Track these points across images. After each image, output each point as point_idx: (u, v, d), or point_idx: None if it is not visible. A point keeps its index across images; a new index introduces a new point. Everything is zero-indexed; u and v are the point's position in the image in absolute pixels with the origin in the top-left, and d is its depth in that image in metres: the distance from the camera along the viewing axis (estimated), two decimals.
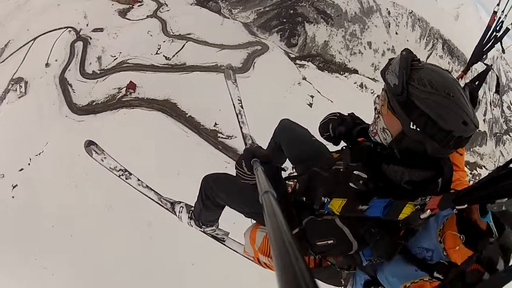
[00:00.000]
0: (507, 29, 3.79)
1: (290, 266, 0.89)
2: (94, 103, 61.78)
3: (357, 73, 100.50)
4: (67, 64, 70.60)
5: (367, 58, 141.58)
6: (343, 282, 3.04)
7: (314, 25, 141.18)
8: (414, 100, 2.16)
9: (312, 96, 69.12)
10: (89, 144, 4.95)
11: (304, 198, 3.01)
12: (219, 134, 55.35)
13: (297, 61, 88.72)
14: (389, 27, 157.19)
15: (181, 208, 4.64)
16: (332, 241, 2.54)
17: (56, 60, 70.66)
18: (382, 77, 2.35)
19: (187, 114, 57.99)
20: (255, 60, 73.95)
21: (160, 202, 4.88)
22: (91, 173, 43.68)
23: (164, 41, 76.00)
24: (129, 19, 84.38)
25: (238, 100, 6.00)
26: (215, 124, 56.11)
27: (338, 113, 3.27)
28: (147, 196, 4.93)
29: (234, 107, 5.90)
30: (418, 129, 2.19)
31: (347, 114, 3.23)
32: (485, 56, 3.86)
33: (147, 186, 4.99)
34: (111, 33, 77.50)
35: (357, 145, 2.92)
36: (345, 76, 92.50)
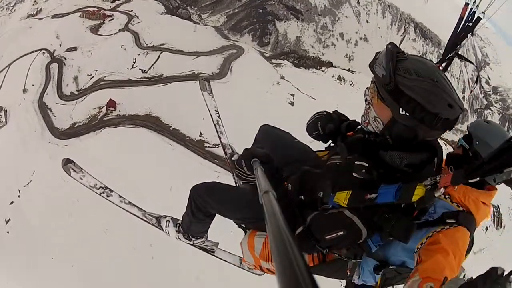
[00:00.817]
0: (479, 18, 3.98)
1: (290, 266, 0.88)
2: (76, 125, 60.69)
3: (332, 66, 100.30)
4: (45, 88, 69.29)
5: (340, 49, 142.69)
6: (348, 273, 3.06)
7: (284, 22, 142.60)
8: (401, 88, 2.36)
9: (292, 95, 69.14)
10: (67, 162, 4.82)
11: (302, 197, 3.06)
12: (205, 144, 54.80)
13: (273, 60, 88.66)
14: (360, 16, 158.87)
15: (168, 222, 4.52)
16: (342, 232, 2.63)
17: (33, 85, 69.19)
18: (370, 69, 2.55)
19: (171, 127, 57.33)
20: (231, 64, 73.71)
21: (144, 218, 4.77)
22: (82, 198, 42.40)
23: (138, 54, 75.03)
24: (101, 35, 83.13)
25: (215, 110, 5.98)
26: (200, 134, 55.44)
27: (325, 111, 3.38)
28: (130, 212, 4.84)
29: (212, 118, 5.89)
30: (407, 114, 2.38)
31: (331, 112, 3.38)
32: (459, 46, 4.05)
33: (129, 203, 4.88)
34: (85, 51, 76.24)
35: (349, 139, 3.02)
36: (322, 71, 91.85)
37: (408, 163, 2.52)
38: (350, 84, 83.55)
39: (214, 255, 4.90)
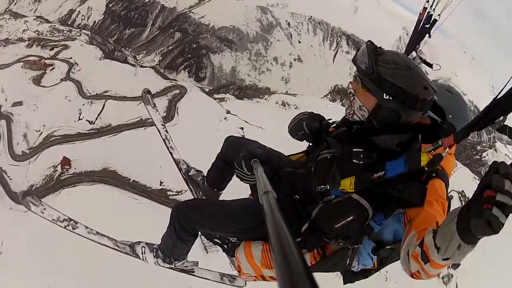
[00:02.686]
0: (435, 20, 4.41)
1: (290, 267, 0.90)
2: (34, 187, 56.34)
3: (270, 91, 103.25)
4: None
5: (276, 73, 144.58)
6: (348, 262, 3.23)
7: (218, 54, 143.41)
8: (383, 76, 2.70)
9: (242, 128, 69.09)
10: (25, 195, 4.55)
11: (297, 196, 3.24)
12: (169, 192, 53.44)
13: (215, 96, 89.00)
14: (292, 38, 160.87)
15: (143, 248, 4.38)
16: (352, 217, 2.84)
17: None
18: (354, 64, 2.90)
19: (130, 179, 55.23)
20: (177, 105, 72.62)
21: (117, 248, 4.60)
22: (58, 266, 40.44)
23: (83, 104, 71.83)
24: (44, 86, 79.85)
25: (162, 124, 5.87)
26: (161, 182, 54.15)
27: (307, 112, 3.63)
28: (101, 243, 4.64)
29: (160, 133, 5.77)
30: (390, 98, 2.71)
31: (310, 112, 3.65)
32: (418, 46, 4.48)
33: (97, 233, 4.68)
34: (30, 105, 72.60)
35: (334, 133, 3.27)
36: (265, 99, 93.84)
37: (398, 142, 2.83)
38: (295, 108, 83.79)
39: (193, 275, 4.87)
